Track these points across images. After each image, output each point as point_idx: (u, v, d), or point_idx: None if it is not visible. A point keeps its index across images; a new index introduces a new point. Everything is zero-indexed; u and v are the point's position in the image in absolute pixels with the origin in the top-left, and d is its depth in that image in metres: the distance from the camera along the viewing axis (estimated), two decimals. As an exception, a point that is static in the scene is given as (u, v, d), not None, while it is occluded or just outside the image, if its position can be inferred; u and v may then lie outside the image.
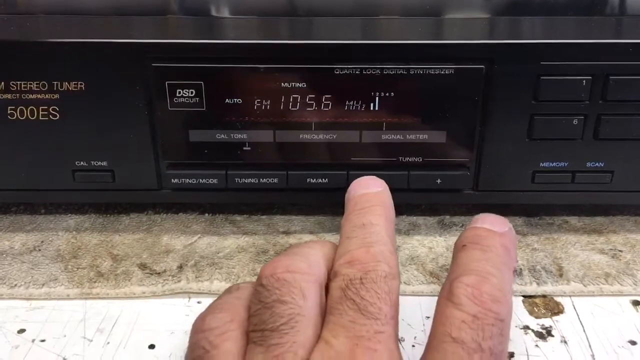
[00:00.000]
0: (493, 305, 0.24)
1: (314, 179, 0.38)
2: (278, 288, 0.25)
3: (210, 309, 0.27)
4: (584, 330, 0.32)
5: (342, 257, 0.27)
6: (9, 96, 0.35)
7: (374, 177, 0.33)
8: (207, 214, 0.42)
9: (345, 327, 0.24)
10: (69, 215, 0.42)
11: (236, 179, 0.38)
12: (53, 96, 0.35)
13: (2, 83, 0.35)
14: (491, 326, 0.24)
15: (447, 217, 0.42)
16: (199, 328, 0.26)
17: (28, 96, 0.35)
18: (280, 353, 0.23)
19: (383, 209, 0.31)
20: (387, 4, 0.46)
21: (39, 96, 0.35)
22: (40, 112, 0.36)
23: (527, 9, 0.43)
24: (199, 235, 0.40)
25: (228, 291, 0.28)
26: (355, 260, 0.26)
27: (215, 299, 0.28)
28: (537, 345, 0.31)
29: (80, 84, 0.35)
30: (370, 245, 0.27)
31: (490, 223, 0.30)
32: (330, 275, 0.27)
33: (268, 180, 0.38)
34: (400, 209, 0.42)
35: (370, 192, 0.32)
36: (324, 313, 0.26)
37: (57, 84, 0.35)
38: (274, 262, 0.26)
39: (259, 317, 0.25)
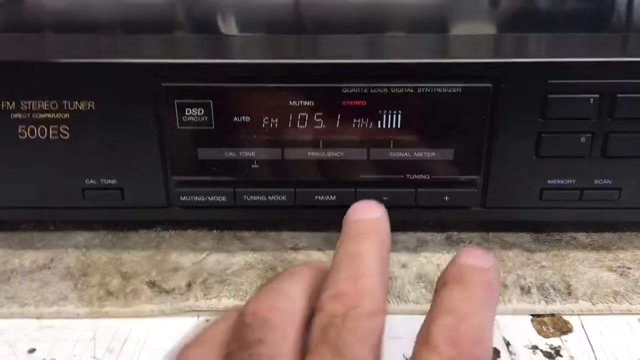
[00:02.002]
0: (472, 348, 0.23)
1: (322, 196, 0.38)
2: (259, 327, 0.24)
3: (189, 343, 0.26)
4: (593, 350, 0.32)
5: (328, 288, 0.26)
6: (19, 115, 0.36)
7: (374, 202, 0.32)
8: (215, 231, 0.42)
9: None
10: (78, 232, 0.42)
11: (244, 197, 0.38)
12: (63, 115, 0.36)
13: (13, 103, 0.35)
14: None
15: (455, 233, 0.42)
16: None
17: (39, 115, 0.36)
18: None
19: (377, 238, 0.29)
20: (393, 21, 0.46)
21: (49, 115, 0.36)
22: (51, 132, 0.36)
23: (534, 26, 0.43)
24: (207, 252, 0.40)
25: (213, 323, 0.27)
26: (340, 294, 0.25)
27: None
28: (546, 366, 0.31)
29: (91, 104, 0.35)
30: (357, 278, 0.26)
31: (474, 258, 0.28)
32: (316, 307, 0.26)
33: (276, 198, 0.38)
34: (407, 225, 0.42)
35: (366, 219, 0.31)
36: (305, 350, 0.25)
37: (67, 104, 0.35)
38: (258, 299, 0.26)
39: (239, 356, 0.24)
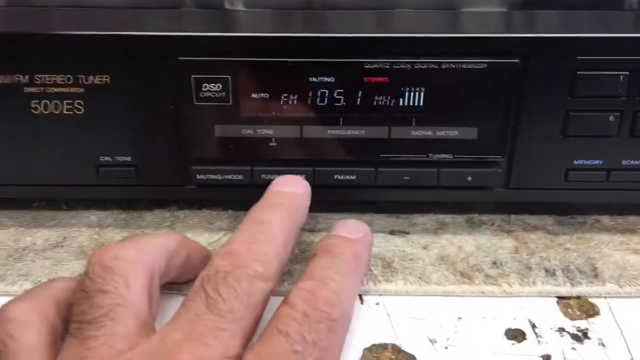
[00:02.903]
0: (326, 307, 0.24)
1: (342, 176, 0.37)
2: (101, 276, 0.24)
3: (14, 298, 0.25)
4: (622, 333, 0.31)
5: (224, 247, 0.26)
6: (33, 90, 0.35)
7: (299, 177, 0.32)
8: (230, 210, 0.41)
9: (188, 321, 0.23)
10: (91, 211, 0.41)
11: (262, 175, 0.37)
12: (78, 90, 0.35)
13: (27, 76, 0.35)
14: (319, 323, 0.24)
15: (476, 215, 0.41)
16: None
17: (52, 90, 0.35)
18: (95, 346, 0.22)
19: (289, 211, 0.30)
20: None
21: (63, 90, 0.35)
22: (65, 106, 0.35)
23: (560, 3, 0.42)
24: (223, 232, 0.39)
25: (50, 280, 0.27)
26: (232, 253, 0.26)
27: None
28: (573, 348, 0.30)
29: (106, 78, 0.35)
30: (255, 243, 0.26)
31: (346, 230, 0.30)
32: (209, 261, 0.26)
33: (294, 177, 0.37)
34: (426, 207, 0.41)
35: (284, 191, 0.31)
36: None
37: (82, 78, 0.35)
38: (103, 249, 0.25)
39: (79, 308, 0.23)
